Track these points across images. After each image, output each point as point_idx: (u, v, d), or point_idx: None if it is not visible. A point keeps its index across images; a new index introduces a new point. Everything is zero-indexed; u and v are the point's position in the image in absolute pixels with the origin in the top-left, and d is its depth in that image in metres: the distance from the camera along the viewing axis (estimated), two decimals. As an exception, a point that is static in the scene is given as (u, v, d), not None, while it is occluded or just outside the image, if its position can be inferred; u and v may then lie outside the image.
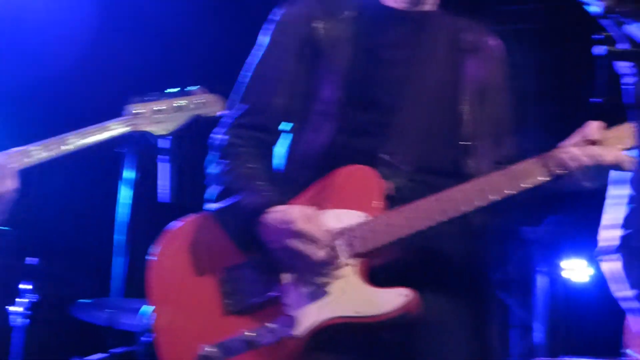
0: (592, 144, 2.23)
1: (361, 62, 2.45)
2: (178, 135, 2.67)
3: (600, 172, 2.24)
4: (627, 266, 3.31)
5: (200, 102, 2.64)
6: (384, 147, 2.38)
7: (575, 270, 7.29)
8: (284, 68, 2.50)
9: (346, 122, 2.40)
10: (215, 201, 2.45)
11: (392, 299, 2.23)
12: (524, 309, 7.13)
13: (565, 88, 7.40)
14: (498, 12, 7.98)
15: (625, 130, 2.20)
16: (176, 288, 2.45)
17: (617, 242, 3.31)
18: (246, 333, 2.29)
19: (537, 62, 7.89)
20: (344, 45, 2.46)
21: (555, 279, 7.08)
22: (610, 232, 3.38)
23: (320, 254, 2.24)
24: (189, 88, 2.67)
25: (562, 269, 7.15)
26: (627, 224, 3.33)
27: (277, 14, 2.59)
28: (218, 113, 2.62)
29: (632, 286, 3.28)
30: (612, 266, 3.40)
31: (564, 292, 7.29)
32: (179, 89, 2.68)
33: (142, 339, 4.24)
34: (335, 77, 2.43)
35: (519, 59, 7.74)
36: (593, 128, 2.24)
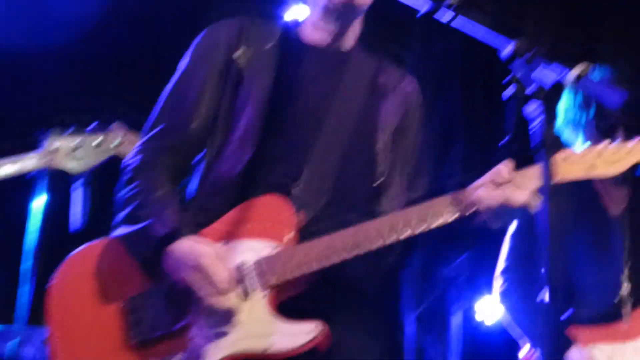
0: (502, 184, 2.28)
1: (280, 94, 2.45)
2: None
3: (509, 213, 2.28)
4: (505, 294, 3.45)
5: (119, 141, 2.60)
6: (298, 179, 2.38)
7: (488, 309, 7.40)
8: (202, 93, 2.47)
9: (262, 153, 2.40)
10: (122, 226, 2.39)
11: (301, 333, 2.23)
12: (439, 347, 7.21)
13: (481, 128, 7.59)
14: (415, 52, 8.16)
15: (533, 172, 2.25)
16: (76, 316, 2.37)
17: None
18: None
19: (456, 101, 8.09)
20: (263, 77, 2.47)
21: (470, 317, 7.18)
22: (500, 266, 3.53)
23: (223, 293, 2.22)
24: (110, 124, 2.63)
25: (475, 308, 7.25)
26: (508, 256, 3.47)
27: (199, 39, 2.58)
28: None
29: (519, 319, 3.41)
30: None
31: (478, 330, 7.40)
32: (97, 124, 2.64)
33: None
34: (253, 107, 2.43)
35: (437, 98, 7.95)
36: (502, 169, 2.29)
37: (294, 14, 2.62)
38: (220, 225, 2.37)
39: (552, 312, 1.83)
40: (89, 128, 2.61)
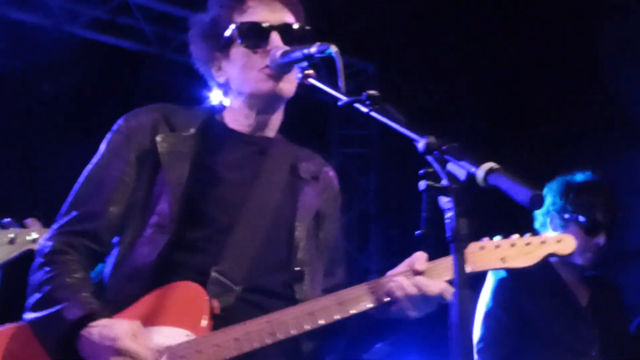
0: (418, 274, 2.32)
1: (199, 179, 2.46)
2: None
3: (425, 302, 2.32)
4: None
5: (34, 236, 2.56)
6: (216, 265, 2.37)
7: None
8: (119, 177, 2.46)
9: (180, 237, 2.39)
10: (33, 311, 2.32)
11: None
12: None
13: (401, 210, 7.75)
14: (339, 135, 8.34)
15: (446, 263, 2.31)
16: None
17: None
18: None
19: (377, 185, 8.29)
20: (184, 161, 2.47)
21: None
22: None
23: None
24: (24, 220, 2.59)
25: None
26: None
27: (119, 124, 2.57)
28: None
29: None
30: None
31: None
32: (10, 220, 2.60)
33: None
34: (172, 192, 2.42)
35: (359, 181, 8.09)
36: (418, 259, 2.34)
37: (218, 97, 2.64)
38: (134, 309, 2.34)
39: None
40: (1, 223, 2.57)
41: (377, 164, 8.32)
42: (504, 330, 3.71)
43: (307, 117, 6.41)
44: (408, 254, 2.41)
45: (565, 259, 3.73)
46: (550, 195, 3.92)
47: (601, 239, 3.77)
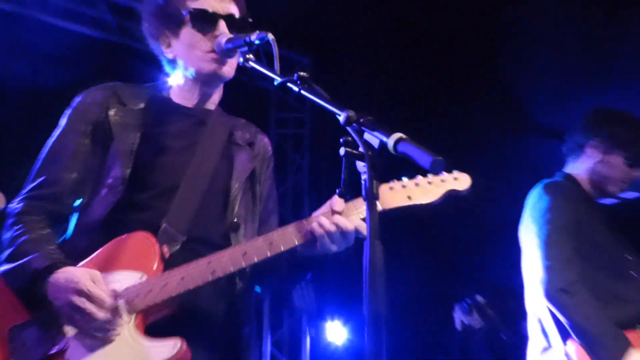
0: (335, 214, 2.35)
1: (147, 147, 2.50)
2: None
3: (343, 238, 2.35)
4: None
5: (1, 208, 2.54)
6: (164, 219, 2.41)
7: (335, 332, 7.55)
8: (77, 147, 2.50)
9: (131, 197, 2.43)
10: (6, 262, 2.35)
11: (164, 351, 2.23)
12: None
13: (331, 184, 7.83)
14: (277, 118, 8.41)
15: (361, 203, 2.34)
16: None
17: None
18: None
19: (310, 162, 8.40)
20: (134, 132, 2.51)
21: (319, 340, 7.29)
22: None
23: (101, 313, 2.23)
24: None
25: (325, 332, 7.38)
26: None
27: (76, 100, 2.60)
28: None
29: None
30: None
31: (327, 351, 7.51)
32: None
33: None
34: (124, 159, 2.45)
35: (295, 158, 8.15)
36: (336, 201, 2.38)
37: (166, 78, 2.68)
38: (95, 259, 2.38)
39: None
40: None
41: (310, 144, 8.45)
42: (564, 229, 3.36)
43: (249, 102, 6.46)
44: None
45: (602, 187, 3.56)
46: (590, 125, 3.66)
47: (638, 172, 3.57)
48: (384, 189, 2.38)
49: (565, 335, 3.28)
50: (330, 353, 7.46)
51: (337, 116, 2.09)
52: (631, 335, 3.24)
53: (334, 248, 2.34)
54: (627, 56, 6.40)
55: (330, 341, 7.53)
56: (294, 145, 8.50)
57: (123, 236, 2.39)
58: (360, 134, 2.02)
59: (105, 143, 2.50)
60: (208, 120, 2.64)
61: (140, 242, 2.38)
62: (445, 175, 2.41)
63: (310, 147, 8.44)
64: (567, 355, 3.27)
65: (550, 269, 3.32)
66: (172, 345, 2.24)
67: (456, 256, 7.77)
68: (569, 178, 3.68)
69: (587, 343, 3.19)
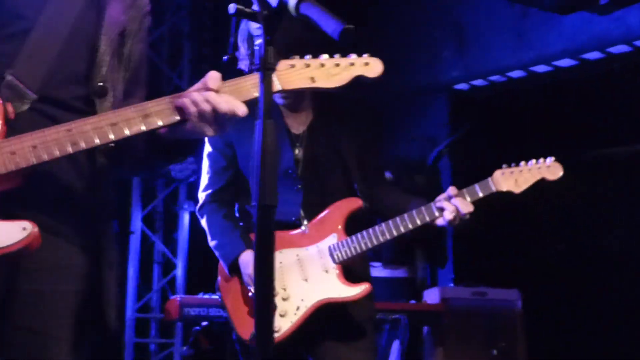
0: (210, 91, 2.05)
1: None
2: None
3: (215, 119, 2.04)
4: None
5: None
6: (9, 70, 2.02)
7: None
8: None
9: None
10: None
11: (10, 233, 1.93)
12: (168, 246, 7.01)
13: (215, 29, 7.23)
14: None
15: (242, 84, 2.08)
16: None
17: None
18: None
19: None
20: None
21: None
22: None
23: None
24: None
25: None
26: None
27: None
28: None
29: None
30: None
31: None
32: None
33: None
34: None
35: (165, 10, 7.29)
36: (212, 77, 2.07)
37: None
38: None
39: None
40: None
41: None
42: None
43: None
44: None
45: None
46: None
47: None
48: (283, 66, 2.11)
49: None
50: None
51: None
52: None
53: (209, 131, 2.05)
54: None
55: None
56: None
57: None
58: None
59: None
60: None
61: None
62: (354, 57, 2.19)
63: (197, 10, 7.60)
64: None
65: None
66: (22, 228, 1.93)
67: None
68: None
69: None
